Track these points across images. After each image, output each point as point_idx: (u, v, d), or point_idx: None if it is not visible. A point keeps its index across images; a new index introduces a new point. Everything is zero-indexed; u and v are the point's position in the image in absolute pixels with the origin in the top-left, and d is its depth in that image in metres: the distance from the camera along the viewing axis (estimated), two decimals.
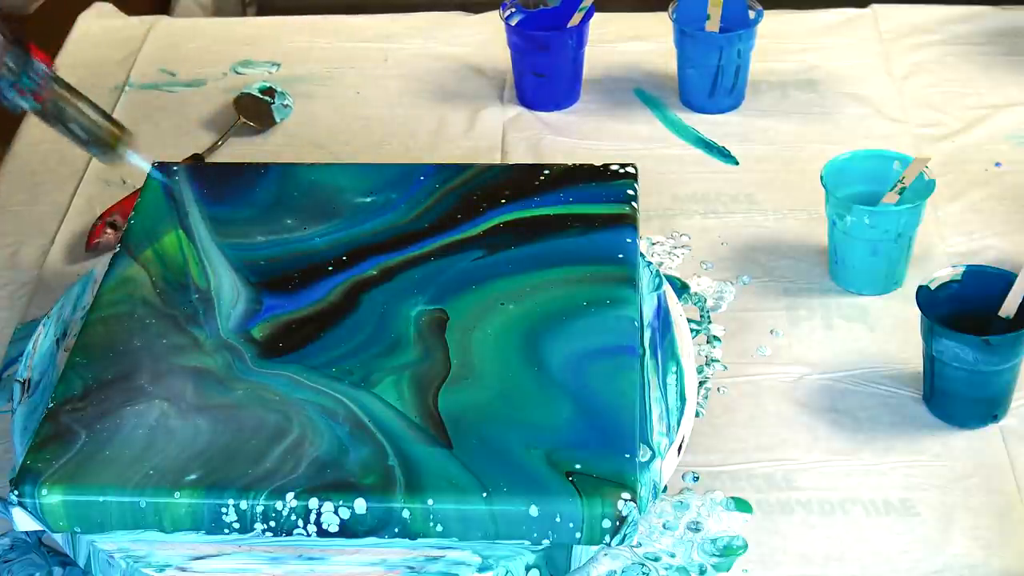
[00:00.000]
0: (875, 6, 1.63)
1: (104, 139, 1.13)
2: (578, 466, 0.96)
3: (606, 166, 1.22)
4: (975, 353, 1.07)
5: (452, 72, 1.56)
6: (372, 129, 1.49)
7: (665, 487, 1.06)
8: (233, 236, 1.17)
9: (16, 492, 0.97)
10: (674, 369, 1.11)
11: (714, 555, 1.03)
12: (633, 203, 1.18)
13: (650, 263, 1.20)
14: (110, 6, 1.71)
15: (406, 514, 0.95)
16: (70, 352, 1.07)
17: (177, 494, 0.96)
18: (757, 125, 1.46)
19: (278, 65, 1.59)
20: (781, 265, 1.28)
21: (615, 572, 1.02)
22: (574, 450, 0.97)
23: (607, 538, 0.96)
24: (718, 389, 1.16)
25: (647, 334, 1.13)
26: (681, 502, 1.06)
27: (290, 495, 0.96)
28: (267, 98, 1.50)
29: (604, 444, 0.98)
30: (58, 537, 1.02)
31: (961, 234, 1.30)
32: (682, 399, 1.08)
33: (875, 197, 1.22)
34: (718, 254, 1.29)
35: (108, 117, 1.13)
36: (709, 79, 1.45)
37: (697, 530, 1.04)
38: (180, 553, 0.98)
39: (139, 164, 1.19)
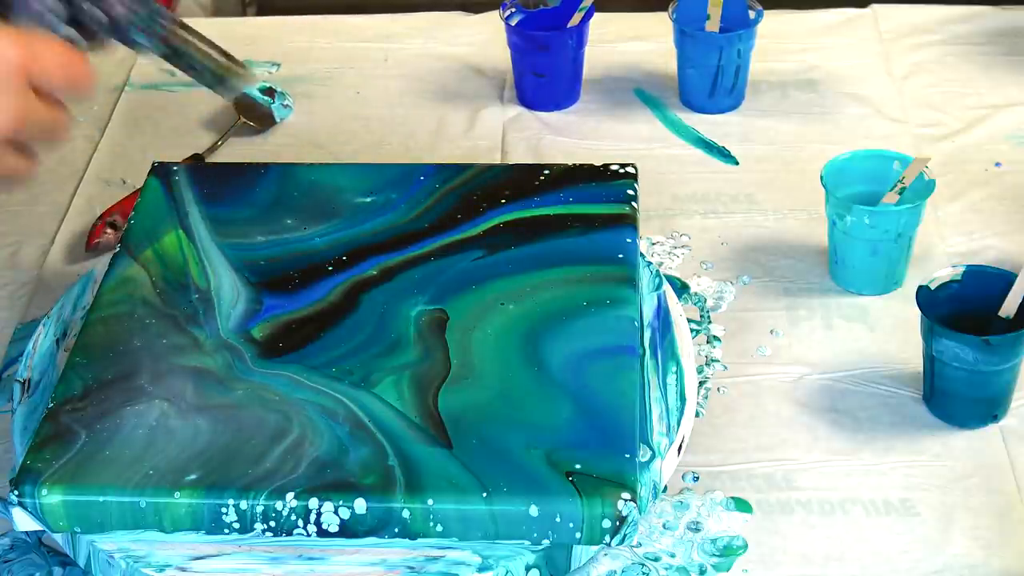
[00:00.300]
0: (875, 6, 1.63)
1: (225, 77, 1.16)
2: (578, 466, 0.96)
3: (606, 166, 1.22)
4: (975, 353, 1.07)
5: (452, 72, 1.57)
6: (372, 129, 1.49)
7: (665, 487, 1.06)
8: (233, 236, 1.17)
9: (16, 492, 0.97)
10: (674, 369, 1.11)
11: (714, 555, 1.03)
12: (633, 203, 1.18)
13: (650, 263, 1.20)
14: None
15: (406, 514, 0.95)
16: (70, 352, 1.07)
17: (177, 494, 0.96)
18: (757, 125, 1.46)
19: (278, 65, 1.59)
20: (781, 265, 1.28)
21: (615, 572, 1.02)
22: (574, 450, 0.97)
23: (607, 538, 0.96)
24: (718, 389, 1.16)
25: (647, 334, 1.13)
26: (681, 502, 1.06)
27: (290, 495, 0.96)
28: (267, 98, 1.50)
29: (604, 444, 0.98)
30: (58, 537, 1.02)
31: (961, 234, 1.30)
32: (682, 399, 1.08)
33: (875, 197, 1.22)
34: (718, 254, 1.29)
35: (229, 57, 1.16)
36: (709, 79, 1.45)
37: (697, 530, 1.04)
38: (180, 553, 0.98)
39: (258, 97, 1.34)
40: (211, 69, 1.14)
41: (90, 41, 1.06)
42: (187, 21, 1.15)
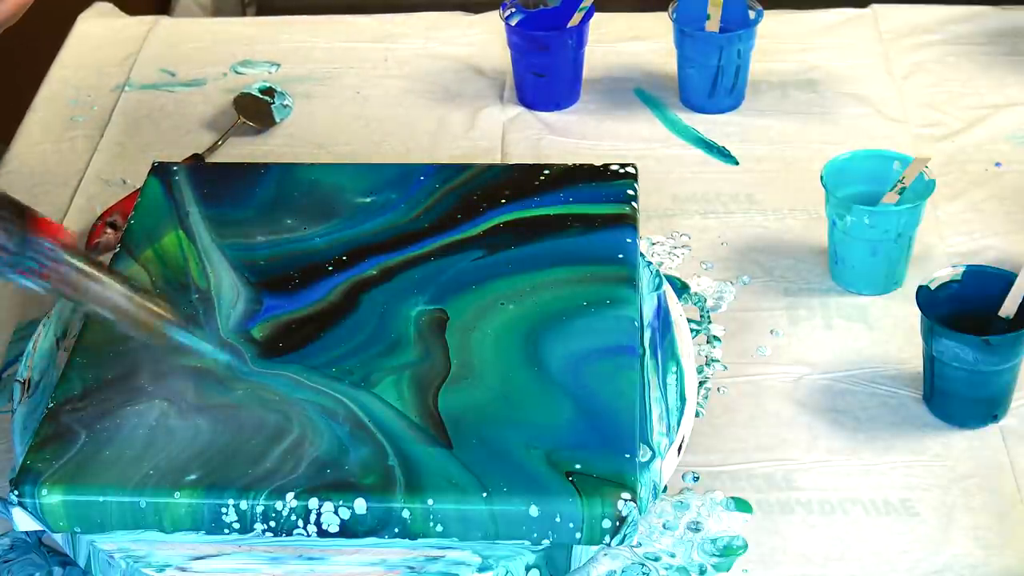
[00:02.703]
0: (875, 6, 1.63)
1: (136, 318, 0.98)
2: (578, 466, 0.96)
3: (606, 166, 1.22)
4: (975, 353, 1.07)
5: (452, 72, 1.56)
6: (372, 129, 1.49)
7: (665, 487, 1.06)
8: (233, 236, 1.17)
9: (16, 492, 0.97)
10: (674, 369, 1.11)
11: (714, 555, 1.03)
12: (633, 203, 1.18)
13: (650, 263, 1.20)
14: (110, 6, 1.71)
15: (406, 514, 0.95)
16: (70, 352, 1.07)
17: (177, 494, 0.96)
18: (757, 125, 1.46)
19: (278, 65, 1.59)
20: (781, 265, 1.28)
21: (615, 572, 1.02)
22: (574, 450, 0.97)
23: (607, 538, 0.96)
24: (718, 389, 1.16)
25: (647, 334, 1.13)
26: (681, 502, 1.06)
27: (290, 495, 0.96)
28: (267, 98, 1.50)
29: (604, 444, 0.98)
30: (58, 537, 1.02)
31: (961, 234, 1.30)
32: (682, 399, 1.08)
33: (875, 197, 1.22)
34: (718, 254, 1.29)
35: (143, 291, 0.99)
36: (709, 79, 1.45)
37: (697, 530, 1.04)
38: (180, 553, 0.98)
39: (184, 341, 1.03)
40: (114, 311, 0.97)
41: None
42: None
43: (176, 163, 1.26)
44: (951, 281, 1.12)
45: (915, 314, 1.11)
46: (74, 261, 0.94)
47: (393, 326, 1.08)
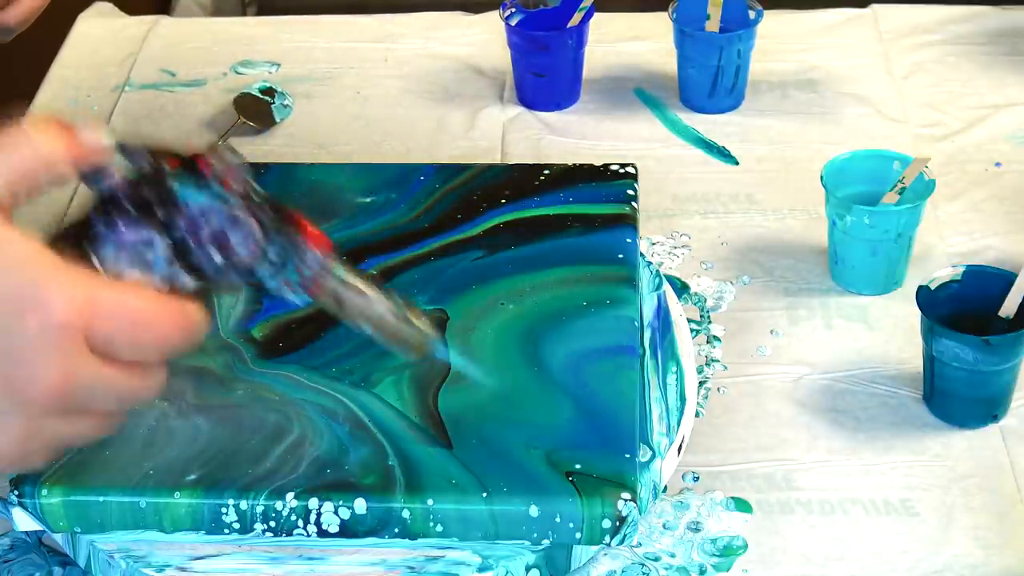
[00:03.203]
0: (875, 6, 1.63)
1: (405, 338, 0.90)
2: (578, 466, 0.96)
3: (606, 166, 1.22)
4: (975, 353, 1.07)
5: (452, 72, 1.56)
6: (372, 129, 1.49)
7: (665, 487, 1.06)
8: None
9: (16, 492, 0.97)
10: (674, 369, 1.11)
11: (714, 555, 1.03)
12: (633, 203, 1.18)
13: (650, 263, 1.20)
14: (110, 6, 1.71)
15: (406, 514, 0.95)
16: None
17: (177, 494, 0.96)
18: (757, 125, 1.46)
19: (278, 65, 1.59)
20: (781, 265, 1.28)
21: (615, 572, 1.02)
22: (574, 450, 0.97)
23: (607, 538, 0.96)
24: (718, 389, 1.16)
25: (647, 334, 1.13)
26: (681, 502, 1.06)
27: (290, 495, 0.96)
28: (267, 98, 1.50)
29: (604, 444, 0.98)
30: (58, 537, 1.02)
31: (961, 234, 1.30)
32: (682, 399, 1.08)
33: (875, 197, 1.22)
34: (718, 254, 1.29)
35: (410, 306, 0.91)
36: (709, 79, 1.45)
37: (697, 530, 1.04)
38: (180, 553, 0.98)
39: (452, 360, 0.99)
40: (382, 327, 0.89)
41: (215, 283, 0.83)
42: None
43: None
44: (951, 281, 1.12)
45: (915, 314, 1.11)
46: (339, 273, 0.87)
47: None
